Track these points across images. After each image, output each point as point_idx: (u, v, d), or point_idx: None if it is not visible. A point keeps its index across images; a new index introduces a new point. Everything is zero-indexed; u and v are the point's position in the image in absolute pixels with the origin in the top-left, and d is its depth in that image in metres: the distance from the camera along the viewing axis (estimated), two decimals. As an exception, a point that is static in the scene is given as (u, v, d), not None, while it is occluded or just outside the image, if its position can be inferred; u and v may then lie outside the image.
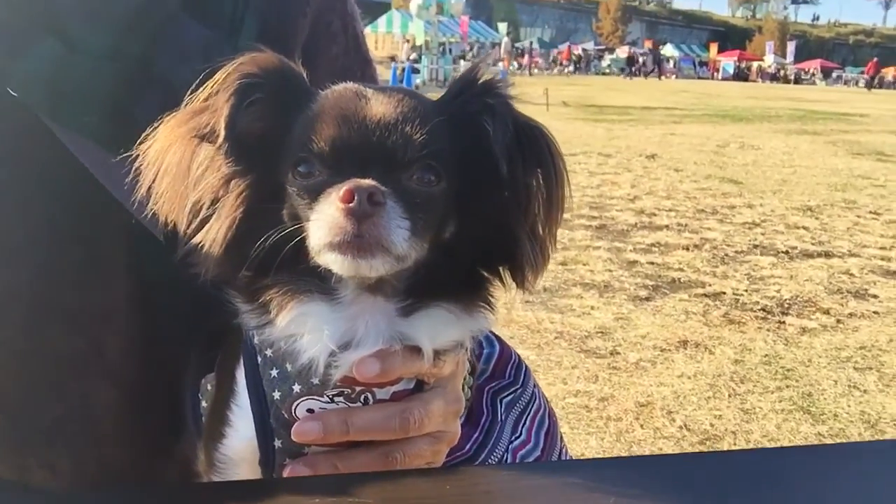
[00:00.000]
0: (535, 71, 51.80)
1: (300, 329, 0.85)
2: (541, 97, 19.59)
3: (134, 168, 0.86)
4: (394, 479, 0.88)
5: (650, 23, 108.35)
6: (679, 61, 71.57)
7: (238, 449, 0.94)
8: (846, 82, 67.10)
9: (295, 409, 0.89)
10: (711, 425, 4.04)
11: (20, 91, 0.97)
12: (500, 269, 0.90)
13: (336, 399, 0.89)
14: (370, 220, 0.76)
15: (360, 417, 0.89)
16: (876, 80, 58.95)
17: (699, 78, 65.92)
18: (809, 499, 0.88)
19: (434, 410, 0.92)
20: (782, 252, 7.47)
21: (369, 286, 0.85)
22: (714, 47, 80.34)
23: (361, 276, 0.82)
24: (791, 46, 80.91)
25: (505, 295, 0.92)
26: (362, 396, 0.89)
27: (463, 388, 1.02)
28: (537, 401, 1.23)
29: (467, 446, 1.08)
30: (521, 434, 1.17)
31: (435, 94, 0.94)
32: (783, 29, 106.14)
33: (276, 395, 0.89)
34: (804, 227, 8.58)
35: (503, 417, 1.16)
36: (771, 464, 0.94)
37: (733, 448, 3.74)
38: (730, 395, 4.38)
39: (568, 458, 1.30)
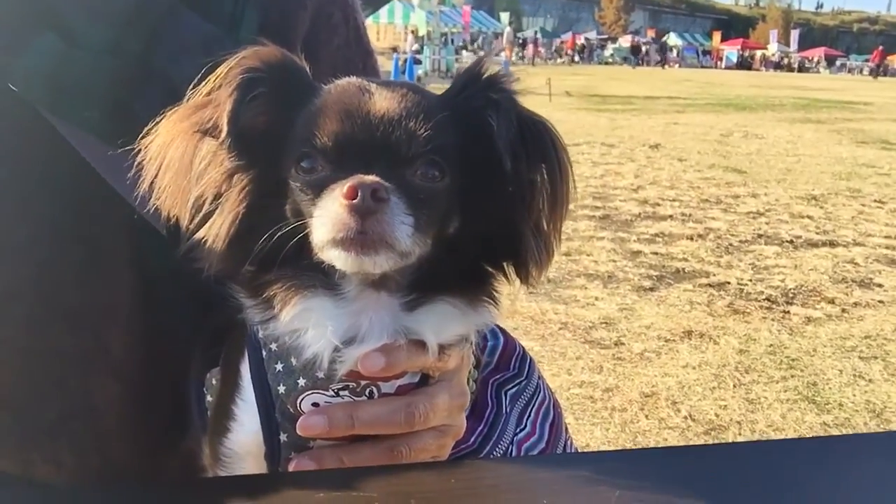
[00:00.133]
0: (538, 61, 51.65)
1: (304, 324, 0.85)
2: (543, 87, 19.52)
3: (136, 163, 0.86)
4: (399, 472, 0.88)
5: (653, 11, 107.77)
6: (682, 50, 71.32)
7: (243, 443, 0.94)
8: (850, 70, 66.84)
9: (300, 403, 0.89)
10: (716, 415, 4.04)
11: (20, 86, 0.97)
12: (504, 264, 0.89)
13: (341, 393, 0.89)
14: (374, 216, 0.76)
15: (366, 411, 0.89)
16: (881, 69, 58.66)
17: (702, 67, 65.76)
18: (816, 491, 0.88)
19: (439, 404, 0.92)
20: (787, 241, 7.45)
21: (373, 281, 0.85)
22: (717, 36, 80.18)
23: (365, 273, 0.82)
24: (795, 34, 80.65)
25: (509, 286, 0.91)
26: (367, 390, 0.89)
27: (468, 382, 1.02)
28: (542, 392, 1.23)
29: (472, 439, 1.08)
30: (525, 426, 1.17)
31: (437, 85, 0.94)
32: (787, 17, 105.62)
33: (282, 389, 0.89)
34: (808, 217, 8.56)
35: (508, 410, 1.16)
36: (777, 456, 0.94)
37: (738, 438, 3.74)
38: (735, 386, 4.38)
39: (573, 449, 1.30)
